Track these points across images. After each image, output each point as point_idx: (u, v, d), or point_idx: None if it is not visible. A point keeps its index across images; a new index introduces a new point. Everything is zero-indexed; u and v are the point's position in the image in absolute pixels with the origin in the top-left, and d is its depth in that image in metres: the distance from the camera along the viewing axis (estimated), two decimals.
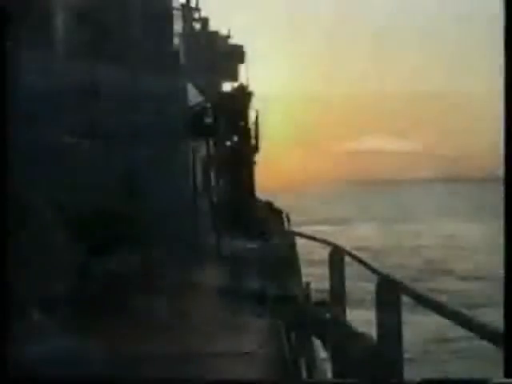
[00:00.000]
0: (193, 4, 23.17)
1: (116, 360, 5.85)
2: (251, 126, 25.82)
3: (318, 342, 5.49)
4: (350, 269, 5.26)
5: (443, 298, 3.11)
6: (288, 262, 8.43)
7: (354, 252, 4.95)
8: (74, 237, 8.69)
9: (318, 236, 7.97)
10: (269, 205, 21.04)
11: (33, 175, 11.16)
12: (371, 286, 3.80)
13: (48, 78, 12.48)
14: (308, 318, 4.82)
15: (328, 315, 4.20)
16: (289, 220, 15.85)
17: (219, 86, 24.20)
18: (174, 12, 15.36)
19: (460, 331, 2.76)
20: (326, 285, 5.54)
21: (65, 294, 7.75)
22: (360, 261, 4.35)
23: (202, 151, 16.28)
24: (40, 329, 5.14)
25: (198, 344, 7.64)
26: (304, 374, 6.08)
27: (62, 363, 4.76)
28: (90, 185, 12.18)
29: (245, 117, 25.79)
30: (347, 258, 5.20)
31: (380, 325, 3.35)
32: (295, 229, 14.81)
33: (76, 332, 5.53)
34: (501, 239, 2.80)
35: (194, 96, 14.48)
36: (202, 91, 16.09)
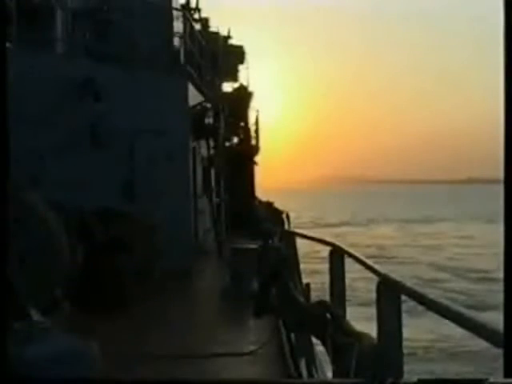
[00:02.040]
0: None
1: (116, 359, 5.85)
2: (251, 126, 25.85)
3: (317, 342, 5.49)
4: None
5: None
6: (288, 262, 8.42)
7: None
8: (74, 236, 8.69)
9: None
10: (269, 205, 21.03)
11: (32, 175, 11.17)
12: None
13: (49, 76, 12.48)
14: (308, 318, 4.82)
15: (328, 315, 4.20)
16: (289, 220, 15.86)
17: (219, 86, 24.18)
18: (174, 12, 15.35)
19: None
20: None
21: (65, 294, 7.75)
22: (360, 260, 4.34)
23: (203, 152, 16.26)
24: (40, 329, 5.13)
25: (198, 344, 7.64)
26: (304, 374, 6.08)
27: (63, 363, 4.76)
28: (89, 185, 12.18)
29: (245, 117, 25.80)
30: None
31: (380, 324, 3.36)
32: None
33: (76, 331, 5.53)
34: None
35: (194, 96, 14.46)
36: (202, 91, 16.07)
